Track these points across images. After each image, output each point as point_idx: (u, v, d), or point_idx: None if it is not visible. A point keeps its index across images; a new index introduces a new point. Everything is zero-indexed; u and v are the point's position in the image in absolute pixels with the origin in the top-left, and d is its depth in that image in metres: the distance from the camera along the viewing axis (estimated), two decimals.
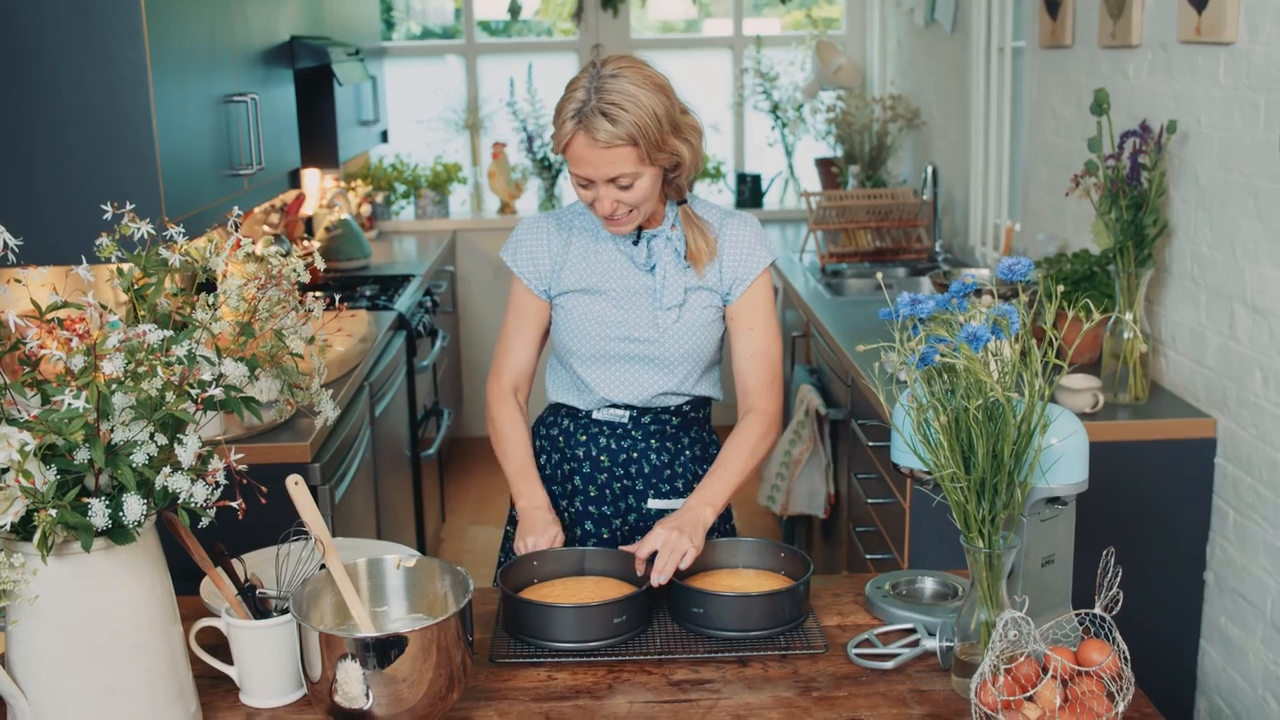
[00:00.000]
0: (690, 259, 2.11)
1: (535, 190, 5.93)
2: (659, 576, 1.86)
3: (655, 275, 2.12)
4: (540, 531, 2.04)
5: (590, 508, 2.19)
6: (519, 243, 2.19)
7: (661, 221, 2.14)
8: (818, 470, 3.69)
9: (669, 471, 2.20)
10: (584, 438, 2.20)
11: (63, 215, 2.38)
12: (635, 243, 2.13)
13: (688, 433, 2.22)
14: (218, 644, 1.70)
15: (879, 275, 1.78)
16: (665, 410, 2.19)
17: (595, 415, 2.20)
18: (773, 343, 2.16)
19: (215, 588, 1.70)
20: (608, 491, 2.19)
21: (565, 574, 1.97)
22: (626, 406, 2.17)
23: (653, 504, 2.20)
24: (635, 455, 2.19)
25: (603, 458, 2.19)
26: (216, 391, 1.40)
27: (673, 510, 2.16)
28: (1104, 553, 1.56)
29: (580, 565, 1.98)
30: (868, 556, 3.16)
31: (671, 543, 1.89)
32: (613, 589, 1.91)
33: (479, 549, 4.71)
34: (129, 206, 1.57)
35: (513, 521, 2.29)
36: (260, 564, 1.87)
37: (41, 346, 1.34)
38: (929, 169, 4.72)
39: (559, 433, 2.23)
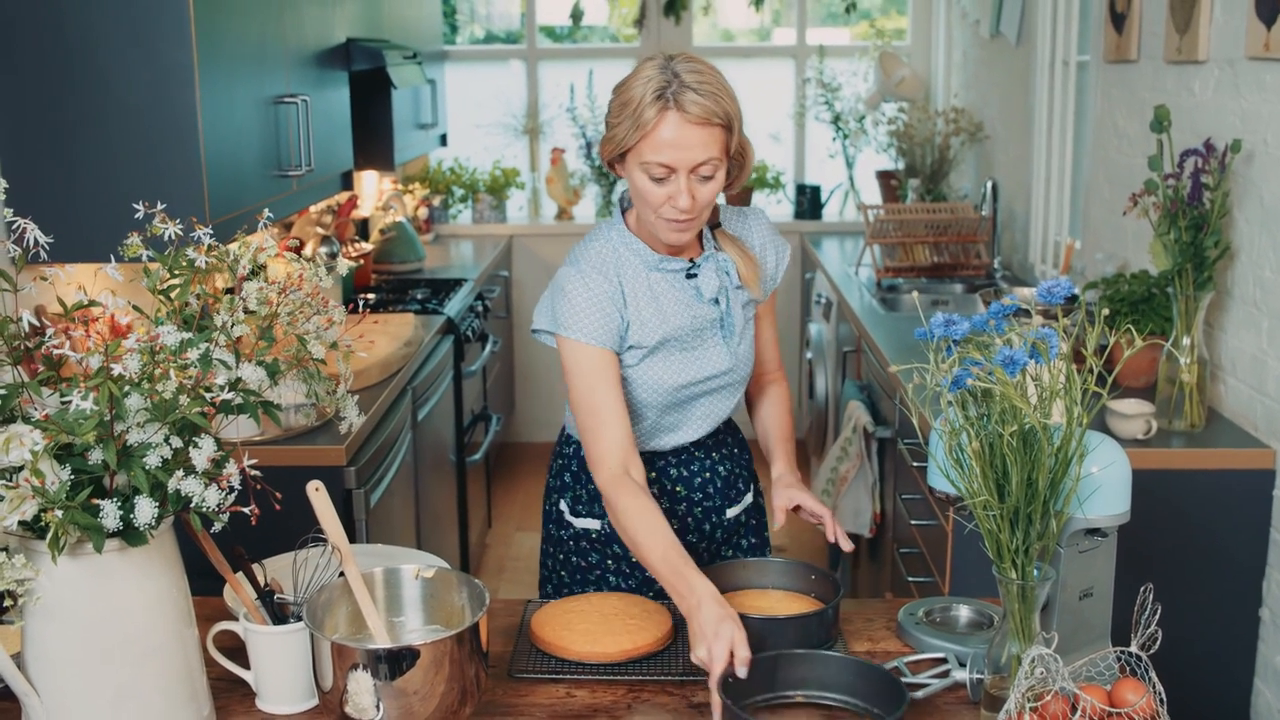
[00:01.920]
0: (744, 282, 2.02)
1: (593, 197, 5.91)
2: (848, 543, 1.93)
3: (720, 304, 2.02)
4: (714, 636, 1.60)
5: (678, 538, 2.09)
6: (575, 308, 1.92)
7: (701, 246, 2.03)
8: (864, 488, 3.63)
9: (732, 476, 2.18)
10: (653, 474, 2.10)
11: (105, 213, 2.40)
12: (690, 275, 2.00)
13: (730, 434, 2.21)
14: (238, 647, 1.70)
15: (915, 294, 1.73)
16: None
17: (668, 449, 2.10)
18: (773, 321, 2.21)
19: (236, 592, 1.69)
20: (690, 519, 2.12)
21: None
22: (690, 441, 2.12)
23: (730, 513, 2.18)
24: (707, 474, 2.14)
25: (679, 488, 2.12)
26: (231, 395, 1.39)
27: (745, 511, 2.21)
28: (1142, 589, 1.50)
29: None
30: (910, 579, 3.09)
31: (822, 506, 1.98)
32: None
33: (524, 555, 4.70)
34: (160, 206, 1.57)
35: (549, 539, 2.21)
36: (283, 568, 1.86)
37: (58, 346, 1.33)
38: (989, 184, 4.64)
39: None
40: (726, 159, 1.87)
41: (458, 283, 4.48)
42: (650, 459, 2.11)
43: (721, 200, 2.09)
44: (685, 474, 2.13)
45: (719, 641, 1.58)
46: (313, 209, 4.15)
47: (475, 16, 6.33)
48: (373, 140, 4.10)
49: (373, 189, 5.14)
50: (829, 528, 1.96)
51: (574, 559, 2.16)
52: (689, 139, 1.81)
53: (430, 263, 4.95)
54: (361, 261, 4.27)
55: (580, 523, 2.14)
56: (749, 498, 2.22)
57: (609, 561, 2.13)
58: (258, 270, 1.55)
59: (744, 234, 2.08)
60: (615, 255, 1.98)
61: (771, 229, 2.12)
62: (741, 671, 1.58)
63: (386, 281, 4.57)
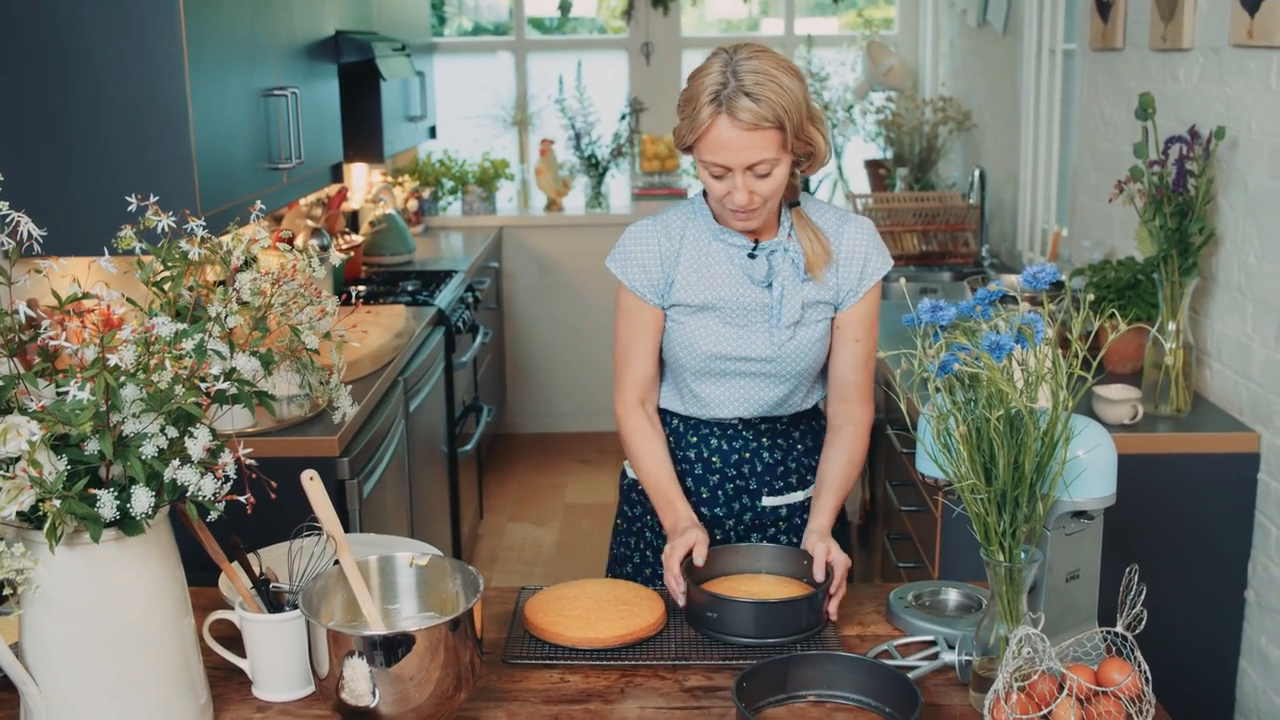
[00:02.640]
0: (808, 268, 2.02)
1: (582, 188, 5.92)
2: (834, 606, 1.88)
3: (773, 291, 2.02)
4: (679, 538, 1.93)
5: (703, 509, 2.14)
6: (627, 253, 2.07)
7: (777, 230, 2.04)
8: None
9: (782, 468, 2.16)
10: (694, 439, 2.15)
11: (96, 206, 2.41)
12: (752, 255, 2.03)
13: (798, 426, 2.17)
14: (234, 636, 1.71)
15: (902, 281, 1.75)
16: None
17: (704, 418, 2.15)
18: (874, 352, 2.09)
19: (231, 581, 1.70)
20: (720, 492, 2.15)
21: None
22: (738, 418, 2.13)
23: (767, 501, 2.16)
24: (748, 455, 2.14)
25: (714, 459, 2.14)
26: (226, 385, 1.40)
27: (788, 506, 2.17)
28: (1127, 570, 1.52)
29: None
30: (900, 565, 3.12)
31: (842, 564, 1.90)
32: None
33: (516, 546, 4.72)
34: (153, 198, 1.58)
35: (622, 511, 2.28)
36: (279, 558, 1.87)
37: (53, 339, 1.34)
38: (977, 172, 4.66)
39: (669, 433, 2.16)
40: (787, 154, 1.91)
41: (448, 274, 4.49)
42: (695, 425, 2.15)
43: (826, 208, 2.09)
44: (725, 448, 2.14)
45: (681, 540, 1.92)
46: (302, 202, 4.15)
47: (463, 8, 6.33)
48: (362, 132, 4.11)
49: (362, 181, 5.14)
50: (835, 583, 1.88)
51: (625, 508, 2.26)
52: (740, 142, 1.87)
53: (420, 254, 4.96)
54: (352, 253, 4.28)
55: (634, 473, 2.21)
56: (800, 495, 2.18)
57: (648, 517, 2.21)
58: (250, 262, 1.56)
59: (834, 234, 2.05)
60: (688, 218, 2.08)
61: (875, 242, 2.07)
62: (699, 559, 1.90)
63: (377, 273, 4.58)
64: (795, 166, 1.97)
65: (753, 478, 2.15)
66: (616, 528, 2.29)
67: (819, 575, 1.89)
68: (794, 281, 2.02)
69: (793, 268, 2.02)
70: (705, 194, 2.06)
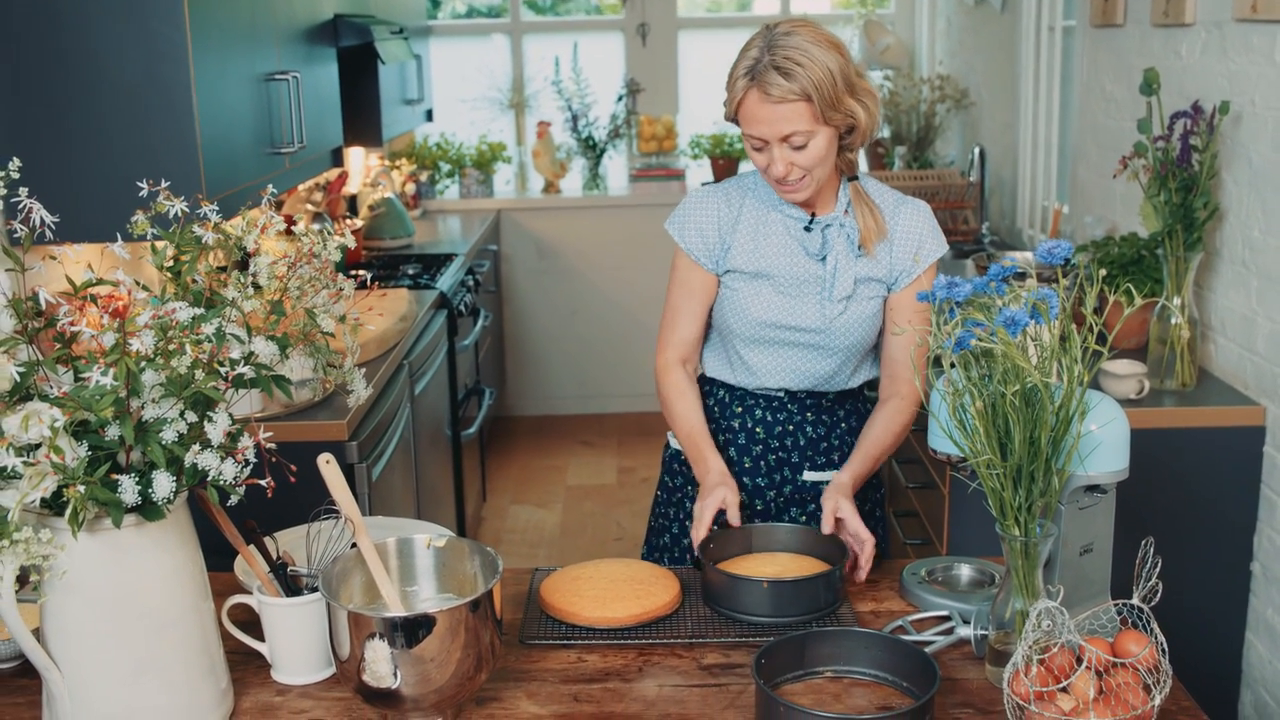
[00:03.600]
0: (863, 243, 2.05)
1: (580, 170, 5.92)
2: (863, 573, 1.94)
3: (826, 265, 2.06)
4: (708, 493, 2.00)
5: (745, 479, 2.17)
6: (686, 216, 2.13)
7: (834, 206, 2.08)
8: None
9: (825, 444, 2.18)
10: (739, 409, 2.18)
11: (101, 192, 2.40)
12: (808, 229, 2.07)
13: (843, 404, 2.19)
14: (250, 620, 1.71)
15: (915, 257, 1.75)
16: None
17: (751, 388, 2.18)
18: (925, 333, 2.11)
19: (248, 564, 1.70)
20: (763, 463, 2.17)
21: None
22: (784, 390, 2.16)
23: (808, 476, 2.18)
24: (791, 428, 2.17)
25: (758, 429, 2.17)
26: (246, 369, 1.40)
27: (829, 482, 2.16)
28: (1143, 542, 1.53)
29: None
30: (907, 542, 3.13)
31: (869, 542, 1.93)
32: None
33: (520, 528, 4.73)
34: (164, 184, 1.58)
35: (662, 482, 2.31)
36: (293, 541, 1.87)
37: (73, 324, 1.34)
38: (976, 150, 4.66)
39: (714, 403, 2.21)
40: (823, 125, 1.93)
41: (448, 258, 4.49)
42: (742, 396, 2.18)
43: (885, 189, 2.12)
44: (769, 419, 2.17)
45: (712, 496, 1.97)
46: (301, 187, 4.14)
47: None
48: (360, 116, 4.10)
49: (360, 166, 5.13)
50: (863, 556, 1.94)
51: (666, 479, 2.30)
52: (770, 115, 1.92)
53: (419, 238, 4.95)
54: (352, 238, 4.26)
55: (676, 444, 2.27)
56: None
57: (689, 487, 2.24)
58: (255, 249, 1.56)
59: (891, 213, 2.08)
60: (749, 188, 2.13)
61: (931, 225, 2.09)
62: (733, 518, 1.97)
63: (377, 258, 4.57)
64: (842, 140, 2.00)
65: (795, 451, 2.17)
66: (656, 499, 2.33)
67: (825, 528, 1.94)
68: (848, 256, 2.06)
69: (847, 243, 2.06)
70: None
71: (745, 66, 1.93)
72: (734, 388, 2.19)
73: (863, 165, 5.74)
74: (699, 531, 1.95)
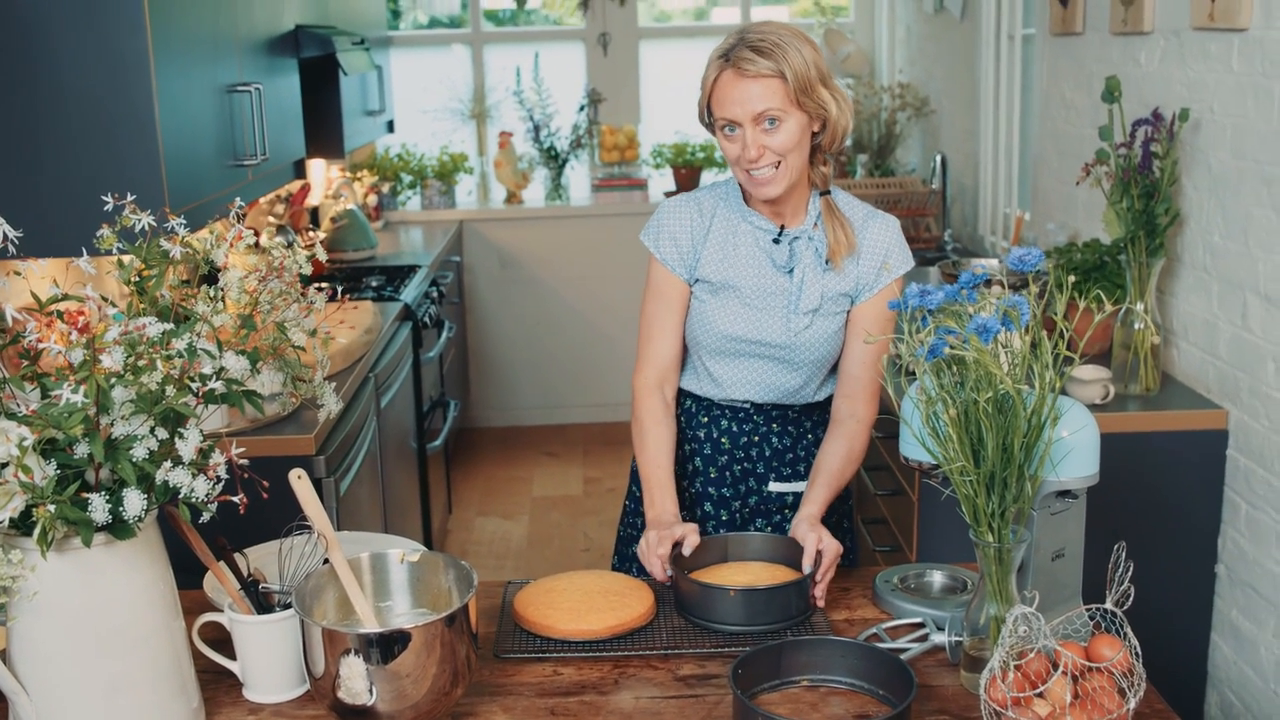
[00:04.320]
0: (830, 256, 2.04)
1: (542, 180, 5.90)
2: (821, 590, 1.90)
3: (793, 278, 2.06)
4: (655, 541, 1.95)
5: (710, 489, 2.18)
6: (660, 225, 2.12)
7: (804, 218, 2.07)
8: None
9: (791, 455, 2.18)
10: (705, 419, 2.18)
11: (64, 206, 2.37)
12: (776, 241, 2.06)
13: (810, 416, 2.19)
14: (221, 638, 1.69)
15: (886, 264, 1.76)
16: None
17: (717, 399, 2.17)
18: (885, 351, 2.09)
19: (219, 582, 1.68)
20: (728, 474, 2.18)
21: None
22: (750, 402, 2.15)
23: (774, 487, 2.18)
24: (757, 439, 2.16)
25: (724, 440, 2.17)
26: (217, 385, 1.39)
27: (795, 494, 2.17)
28: (1115, 547, 1.54)
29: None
30: (876, 549, 3.14)
31: (832, 550, 1.91)
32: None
33: (486, 540, 4.70)
34: (130, 197, 1.56)
35: (630, 493, 2.30)
36: (264, 558, 1.85)
37: (40, 340, 1.32)
38: (938, 158, 4.69)
39: (681, 414, 2.20)
40: (795, 109, 1.94)
41: (411, 269, 4.47)
42: (708, 406, 2.17)
43: (855, 202, 2.11)
44: (734, 430, 2.16)
45: (668, 532, 1.94)
46: (263, 199, 4.11)
47: (417, 2, 6.29)
48: (322, 128, 4.07)
49: (321, 177, 5.10)
50: (821, 572, 1.90)
51: (634, 489, 2.27)
52: (744, 93, 1.93)
53: (382, 250, 4.92)
54: (323, 250, 4.23)
55: None
56: (805, 484, 2.17)
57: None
58: (225, 264, 1.54)
59: (860, 226, 2.07)
60: (720, 198, 2.13)
61: (898, 240, 2.09)
62: (688, 548, 1.93)
63: (340, 270, 4.54)
64: (814, 140, 2.01)
65: (760, 462, 2.17)
66: (625, 509, 2.32)
67: (808, 566, 1.90)
68: (815, 270, 2.05)
69: (815, 256, 2.05)
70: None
71: (719, 53, 1.96)
72: (700, 398, 2.18)
73: None
74: (655, 567, 1.94)
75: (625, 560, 2.29)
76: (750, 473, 2.18)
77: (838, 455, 2.06)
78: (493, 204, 5.90)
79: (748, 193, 2.08)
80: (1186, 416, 2.71)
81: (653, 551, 1.94)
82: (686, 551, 1.93)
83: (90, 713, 1.44)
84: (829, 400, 2.21)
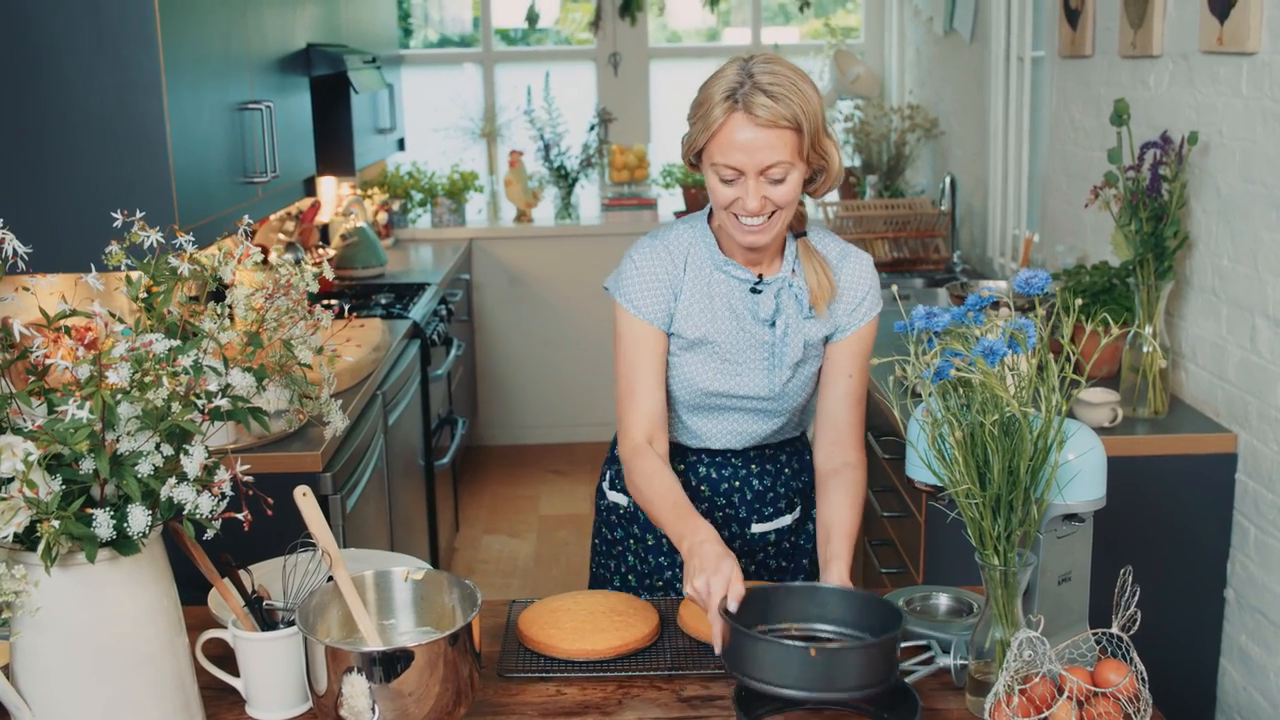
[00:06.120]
0: (813, 303, 1.94)
1: (552, 199, 5.92)
2: None
3: (775, 330, 1.96)
4: (713, 570, 1.66)
5: None
6: (630, 276, 1.97)
7: (780, 264, 1.96)
8: None
9: (771, 494, 2.12)
10: (682, 466, 2.10)
11: (74, 222, 2.38)
12: (755, 289, 1.96)
13: (784, 451, 2.14)
14: (224, 655, 1.69)
15: (894, 287, 1.76)
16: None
17: (694, 447, 2.10)
18: (865, 391, 2.03)
19: (223, 598, 1.68)
20: (709, 519, 2.00)
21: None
22: (728, 449, 2.09)
23: (756, 528, 2.12)
24: (737, 484, 2.10)
25: (703, 487, 2.10)
26: (223, 402, 1.39)
27: (776, 531, 2.11)
28: (1122, 571, 1.53)
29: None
30: (883, 571, 3.13)
31: None
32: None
33: (493, 558, 4.70)
34: (139, 214, 1.56)
35: (599, 532, 2.23)
36: (268, 575, 1.85)
37: (47, 356, 1.33)
38: (947, 179, 4.69)
39: None
40: (802, 162, 1.84)
41: (420, 287, 4.48)
42: (683, 452, 2.10)
43: (828, 238, 2.02)
44: (714, 476, 2.10)
45: (718, 576, 1.65)
46: (273, 217, 4.12)
47: (429, 20, 6.32)
48: (332, 146, 4.09)
49: (332, 195, 5.11)
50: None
51: (604, 530, 2.21)
52: (756, 141, 1.79)
53: (392, 267, 4.94)
54: (330, 268, 4.25)
55: (612, 495, 2.19)
56: (787, 519, 2.15)
57: (630, 541, 2.17)
58: (233, 280, 1.55)
59: (836, 265, 1.99)
60: (690, 243, 1.99)
61: (874, 281, 2.00)
62: (733, 605, 1.63)
63: (350, 287, 4.55)
64: (807, 185, 1.90)
65: (742, 506, 2.12)
66: (595, 547, 2.25)
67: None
68: (797, 319, 1.96)
69: (797, 305, 1.96)
70: (710, 217, 1.99)
71: (724, 90, 1.79)
72: (676, 444, 2.09)
73: (833, 195, 5.77)
74: (716, 626, 1.63)
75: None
76: (733, 518, 2.12)
77: (844, 507, 1.91)
78: (503, 222, 5.91)
79: (722, 236, 1.97)
80: (1195, 440, 2.70)
81: (711, 608, 1.65)
82: (731, 607, 1.64)
83: None
84: (804, 435, 2.16)
